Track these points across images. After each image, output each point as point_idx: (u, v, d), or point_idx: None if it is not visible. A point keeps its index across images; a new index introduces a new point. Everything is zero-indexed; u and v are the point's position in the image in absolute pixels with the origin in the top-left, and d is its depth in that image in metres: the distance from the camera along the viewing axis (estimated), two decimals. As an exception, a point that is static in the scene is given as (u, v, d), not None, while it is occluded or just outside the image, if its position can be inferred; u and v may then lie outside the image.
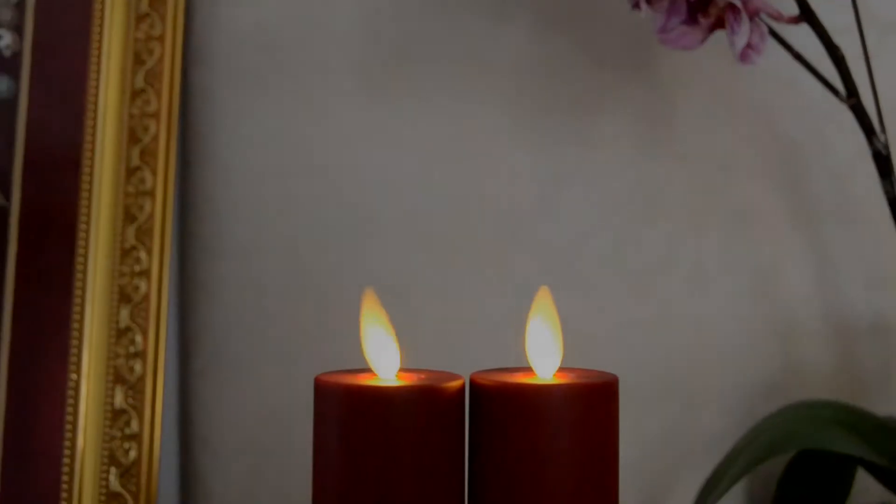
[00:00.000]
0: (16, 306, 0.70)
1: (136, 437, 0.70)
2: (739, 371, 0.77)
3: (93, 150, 0.72)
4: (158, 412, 0.70)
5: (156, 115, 0.72)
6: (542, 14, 0.77)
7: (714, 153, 0.78)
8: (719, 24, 0.64)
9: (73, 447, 0.69)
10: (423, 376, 0.54)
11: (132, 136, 0.72)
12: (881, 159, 0.66)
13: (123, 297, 0.71)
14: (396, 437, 0.51)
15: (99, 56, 0.72)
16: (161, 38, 0.73)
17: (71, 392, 0.70)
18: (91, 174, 0.71)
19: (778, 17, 0.64)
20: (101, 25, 0.72)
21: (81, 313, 0.70)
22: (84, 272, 0.71)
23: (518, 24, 0.77)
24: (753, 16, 0.63)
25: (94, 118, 0.72)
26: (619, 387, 0.53)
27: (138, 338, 0.70)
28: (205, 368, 0.77)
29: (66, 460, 0.69)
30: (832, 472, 0.68)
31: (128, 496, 0.69)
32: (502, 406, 0.52)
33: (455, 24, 0.76)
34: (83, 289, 0.70)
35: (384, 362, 0.54)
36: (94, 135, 0.72)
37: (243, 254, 0.77)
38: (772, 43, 0.65)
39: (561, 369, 0.54)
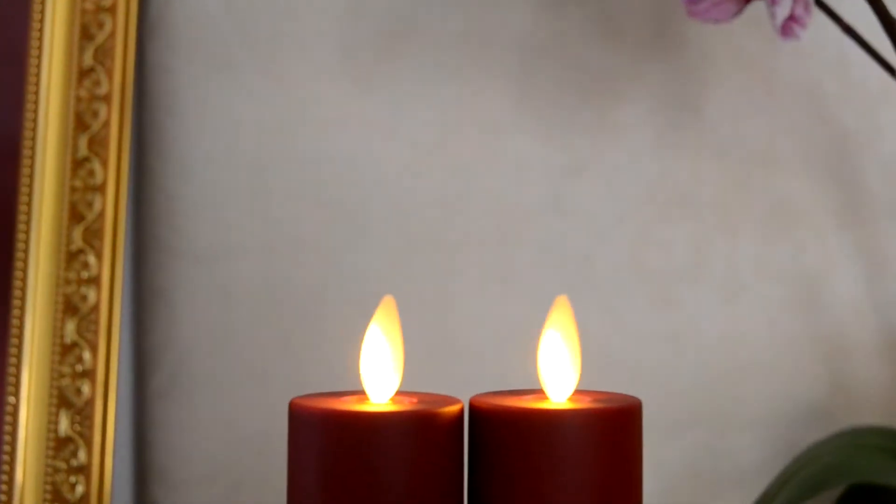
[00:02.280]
0: (-56, 319, 0.71)
1: (83, 470, 0.70)
2: (779, 392, 0.78)
3: (34, 139, 0.72)
4: (110, 440, 0.70)
5: (107, 98, 0.72)
6: (551, -16, 0.77)
7: (750, 143, 0.78)
8: (757, -8, 0.66)
9: (10, 481, 0.69)
10: (414, 400, 0.53)
11: (79, 122, 0.72)
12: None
13: (69, 307, 0.71)
14: (384, 470, 0.51)
15: (41, 30, 0.72)
16: (112, 10, 0.73)
17: (8, 418, 0.70)
18: (32, 166, 0.71)
19: (825, -16, 0.66)
20: (43, -6, 0.74)
21: (20, 326, 0.70)
22: (24, 279, 0.71)
23: (524, -5, 0.77)
24: (797, -18, 0.64)
25: (36, 101, 0.72)
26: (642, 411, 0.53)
27: (86, 354, 0.70)
28: (164, 389, 0.77)
29: (1, 497, 0.69)
30: (887, 510, 0.70)
31: (75, 537, 0.70)
32: (507, 434, 0.51)
33: (452, -4, 0.77)
34: (23, 298, 0.71)
35: (381, 383, 0.54)
36: (35, 121, 0.72)
37: (209, 257, 0.77)
38: (818, 15, 0.65)
39: (575, 391, 0.54)
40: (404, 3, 0.77)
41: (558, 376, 0.53)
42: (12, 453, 0.69)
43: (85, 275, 0.71)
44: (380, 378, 0.54)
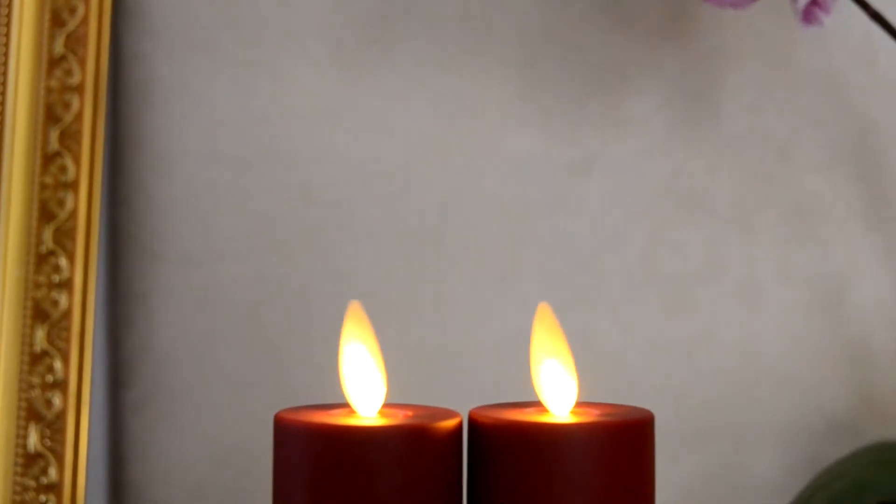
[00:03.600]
0: None
1: (54, 488, 0.70)
2: (801, 404, 0.78)
3: (1, 133, 0.71)
4: (83, 456, 0.70)
5: (79, 89, 0.72)
6: (556, -33, 0.78)
7: (770, 137, 0.78)
8: (777, -25, 0.65)
9: (-25, 500, 0.70)
10: (409, 413, 0.53)
11: (50, 114, 0.72)
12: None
13: (39, 313, 0.71)
14: (376, 488, 0.51)
15: (8, 16, 0.72)
16: (85, -7, 0.73)
17: (-28, 433, 0.70)
18: (-1, 162, 0.72)
19: (851, -34, 0.66)
20: (10, -23, 0.74)
21: (-14, 334, 0.71)
22: (-10, 283, 0.71)
23: (528, -20, 0.78)
24: (821, -36, 0.65)
25: (3, 93, 0.72)
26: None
27: (58, 364, 0.70)
28: (141, 402, 0.77)
29: (-34, 517, 0.70)
30: (917, 530, 0.70)
31: (45, 561, 0.70)
32: (510, 451, 0.51)
33: (450, -20, 0.78)
34: (-11, 304, 0.70)
35: (366, 395, 0.53)
36: (2, 113, 0.72)
37: (190, 259, 0.77)
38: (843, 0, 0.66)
39: (582, 404, 0.54)
40: (399, -14, 0.78)
41: (555, 391, 0.53)
42: (-23, 471, 0.70)
43: (56, 278, 0.71)
44: (364, 391, 0.53)
